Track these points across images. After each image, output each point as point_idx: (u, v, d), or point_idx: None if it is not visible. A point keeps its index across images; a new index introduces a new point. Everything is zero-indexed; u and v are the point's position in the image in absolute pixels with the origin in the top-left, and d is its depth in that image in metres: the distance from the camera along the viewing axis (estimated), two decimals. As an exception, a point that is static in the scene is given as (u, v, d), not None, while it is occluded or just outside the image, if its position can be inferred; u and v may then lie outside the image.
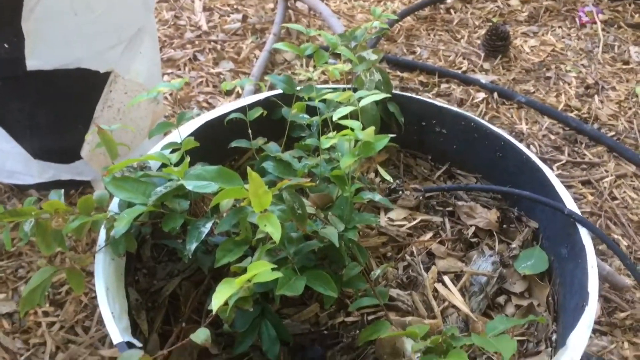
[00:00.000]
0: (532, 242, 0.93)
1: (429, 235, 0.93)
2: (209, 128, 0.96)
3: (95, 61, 1.21)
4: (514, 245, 0.91)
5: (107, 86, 1.28)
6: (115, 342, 0.68)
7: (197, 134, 0.93)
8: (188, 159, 0.76)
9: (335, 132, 0.71)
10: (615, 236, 1.51)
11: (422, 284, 0.84)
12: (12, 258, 1.34)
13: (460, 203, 0.96)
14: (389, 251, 0.90)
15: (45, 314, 1.23)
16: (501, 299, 0.86)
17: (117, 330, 0.68)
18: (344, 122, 0.69)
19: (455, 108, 1.00)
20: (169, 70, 1.88)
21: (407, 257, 0.88)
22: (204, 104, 1.79)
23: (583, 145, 1.79)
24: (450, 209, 0.97)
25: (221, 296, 0.58)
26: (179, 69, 1.90)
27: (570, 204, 0.84)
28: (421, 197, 0.96)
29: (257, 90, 1.45)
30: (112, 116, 1.33)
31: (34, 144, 1.34)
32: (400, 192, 0.96)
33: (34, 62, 1.17)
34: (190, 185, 0.67)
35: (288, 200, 0.67)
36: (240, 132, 0.94)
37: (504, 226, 0.95)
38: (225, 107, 0.98)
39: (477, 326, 0.79)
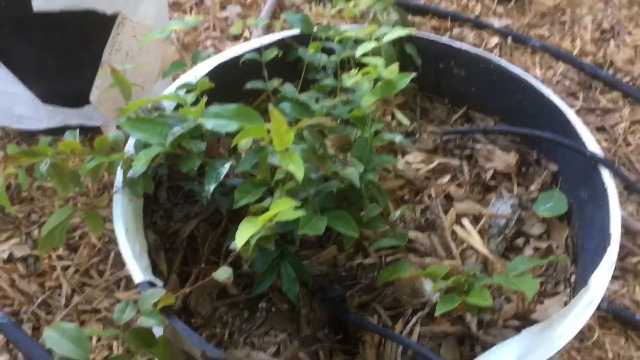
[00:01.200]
0: (552, 185, 0.92)
1: (447, 178, 0.91)
2: (223, 69, 0.94)
3: (103, 2, 1.19)
4: (532, 188, 0.90)
5: (114, 29, 1.25)
6: (137, 281, 0.68)
7: (211, 75, 0.91)
8: (205, 98, 0.75)
9: (358, 69, 0.69)
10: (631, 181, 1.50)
11: (441, 226, 0.84)
12: (24, 203, 1.35)
13: (478, 146, 0.95)
14: (406, 194, 0.90)
15: (60, 257, 1.24)
16: (519, 241, 0.85)
17: (138, 269, 0.68)
18: (366, 60, 0.67)
19: (474, 49, 0.97)
20: (175, 14, 1.84)
21: (426, 200, 0.87)
22: (212, 49, 1.76)
23: (598, 90, 1.76)
24: (468, 152, 0.96)
25: (244, 234, 0.57)
26: (185, 13, 1.86)
27: (593, 146, 0.83)
28: (439, 140, 0.95)
29: (271, 29, 1.42)
30: (121, 60, 1.31)
31: (43, 87, 1.33)
32: (418, 135, 0.95)
33: (40, 2, 1.14)
34: (209, 124, 0.65)
35: (309, 139, 0.65)
36: (254, 74, 0.92)
37: (523, 169, 0.94)
38: (239, 47, 0.96)
39: (496, 267, 0.79)
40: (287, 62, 0.97)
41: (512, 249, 0.85)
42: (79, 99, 1.35)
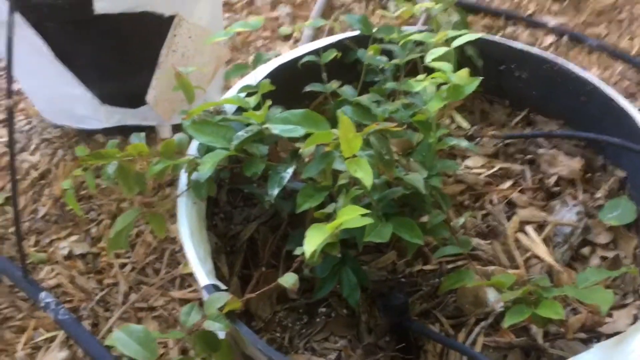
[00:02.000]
0: (619, 192, 0.89)
1: (509, 183, 0.90)
2: (282, 71, 0.94)
3: (160, 4, 1.21)
4: (598, 195, 0.88)
5: (171, 30, 1.27)
6: (202, 284, 0.68)
7: (270, 77, 0.91)
8: (269, 102, 0.75)
9: (426, 74, 0.68)
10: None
11: (504, 233, 0.82)
12: (82, 201, 1.38)
13: (541, 151, 0.93)
14: (466, 199, 0.88)
15: (117, 255, 1.26)
16: (585, 250, 0.83)
17: (203, 273, 0.68)
18: (434, 65, 0.66)
19: (538, 50, 0.95)
20: (226, 15, 1.85)
21: (487, 206, 0.85)
22: (263, 49, 1.76)
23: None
24: (530, 156, 0.94)
25: (313, 242, 0.57)
26: (236, 13, 1.87)
27: (664, 154, 0.80)
28: (500, 144, 0.93)
29: (330, 31, 1.41)
30: (177, 61, 1.32)
31: (102, 88, 1.35)
32: (478, 139, 0.93)
33: (101, 4, 1.17)
34: (276, 129, 0.65)
35: (376, 145, 0.65)
36: (312, 76, 0.92)
37: (588, 175, 0.91)
38: (298, 50, 0.96)
39: (562, 277, 0.77)
40: (345, 64, 0.96)
41: (577, 259, 0.82)
42: (136, 99, 1.37)
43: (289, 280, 0.63)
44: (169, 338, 0.79)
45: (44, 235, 1.31)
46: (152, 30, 1.25)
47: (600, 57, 1.77)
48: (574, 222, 0.82)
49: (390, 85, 0.83)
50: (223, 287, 0.70)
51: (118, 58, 1.29)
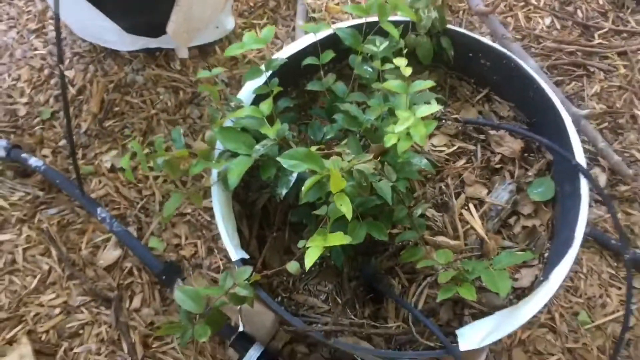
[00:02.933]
0: (546, 172, 1.15)
1: (463, 161, 1.16)
2: (285, 65, 1.14)
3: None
4: (530, 173, 1.14)
5: (188, -30, 1.42)
6: (233, 259, 0.98)
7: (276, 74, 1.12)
8: (279, 125, 0.98)
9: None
10: (637, 111, 1.69)
11: (452, 208, 1.11)
12: (116, 117, 1.62)
13: (492, 132, 1.18)
14: (429, 173, 1.15)
15: (150, 168, 1.53)
16: (512, 220, 1.12)
17: (232, 248, 0.98)
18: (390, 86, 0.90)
19: (500, 47, 1.15)
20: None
21: (445, 179, 1.13)
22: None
23: (629, 10, 1.86)
24: (483, 136, 1.19)
25: (311, 258, 0.86)
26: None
27: (579, 156, 1.05)
28: (459, 128, 1.18)
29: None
30: (193, -3, 1.48)
31: (126, 21, 1.54)
32: (444, 121, 1.17)
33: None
34: (286, 164, 0.90)
35: (357, 177, 0.91)
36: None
37: (525, 155, 1.17)
38: (298, 43, 1.16)
39: (489, 245, 1.07)
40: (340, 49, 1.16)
41: (505, 226, 1.12)
42: (157, 30, 1.55)
43: (293, 267, 0.93)
44: (212, 294, 1.06)
45: (89, 150, 1.58)
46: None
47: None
48: (504, 202, 1.10)
49: (375, 85, 1.05)
50: (246, 256, 1.00)
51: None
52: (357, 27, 1.12)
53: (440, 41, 1.17)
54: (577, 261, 1.50)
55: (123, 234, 1.40)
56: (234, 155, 1.01)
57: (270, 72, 1.08)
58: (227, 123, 1.04)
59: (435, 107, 0.87)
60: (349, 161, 0.95)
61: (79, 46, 1.70)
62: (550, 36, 1.76)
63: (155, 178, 1.54)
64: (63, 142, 1.57)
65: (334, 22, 1.76)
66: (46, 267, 1.41)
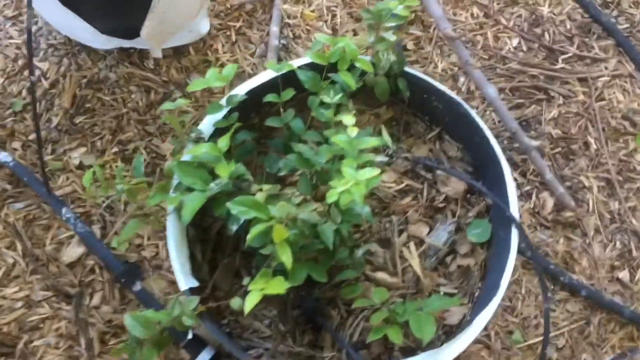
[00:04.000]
0: (485, 214, 1.23)
1: (409, 198, 1.23)
2: (249, 92, 1.20)
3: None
4: (470, 214, 1.22)
5: (162, -20, 1.44)
6: (181, 289, 1.06)
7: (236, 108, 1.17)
8: (233, 166, 1.04)
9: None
10: (590, 139, 1.76)
11: (394, 245, 1.18)
12: (87, 114, 1.66)
13: (439, 172, 1.25)
14: (377, 208, 1.22)
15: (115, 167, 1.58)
16: (449, 258, 1.20)
17: (183, 279, 1.05)
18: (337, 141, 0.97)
19: (451, 93, 1.21)
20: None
21: (391, 215, 1.20)
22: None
23: (595, 36, 1.91)
24: (431, 175, 1.26)
25: (251, 302, 0.93)
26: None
27: (514, 209, 1.13)
28: (409, 167, 1.24)
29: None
30: (167, 4, 1.52)
31: (101, 24, 1.56)
32: (395, 159, 1.24)
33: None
34: (235, 210, 0.97)
35: (300, 226, 0.98)
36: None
37: (469, 195, 1.25)
38: (263, 76, 1.21)
39: (425, 282, 1.16)
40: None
41: (442, 263, 1.20)
42: (131, 32, 1.58)
43: (235, 303, 1.01)
44: (162, 320, 1.13)
45: (58, 145, 1.62)
46: (146, -21, 1.43)
47: (554, -8, 1.93)
48: (442, 243, 1.18)
49: (327, 133, 1.11)
50: (196, 284, 1.07)
51: (115, 4, 1.48)
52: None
53: (397, 82, 1.23)
54: (517, 282, 1.59)
55: (86, 235, 1.46)
56: (191, 189, 1.07)
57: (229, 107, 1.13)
58: (186, 157, 1.10)
59: (376, 172, 0.94)
60: (297, 204, 1.02)
61: (54, 37, 1.72)
62: (516, 57, 1.81)
63: (121, 178, 1.59)
64: (33, 135, 1.60)
65: (308, 30, 1.79)
66: (11, 261, 1.47)
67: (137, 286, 1.44)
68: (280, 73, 1.17)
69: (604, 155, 1.75)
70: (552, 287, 1.60)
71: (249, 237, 0.95)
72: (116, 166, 1.62)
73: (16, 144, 1.60)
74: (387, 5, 1.17)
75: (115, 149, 1.60)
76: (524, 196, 1.65)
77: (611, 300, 1.56)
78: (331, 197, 0.96)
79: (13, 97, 1.67)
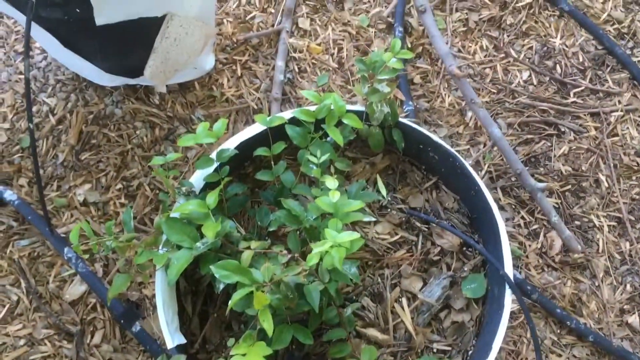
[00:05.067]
0: (481, 269, 1.21)
1: (403, 251, 1.21)
2: (242, 144, 1.19)
3: (153, 9, 1.39)
4: (465, 268, 1.20)
5: (164, 24, 1.46)
6: (168, 347, 1.06)
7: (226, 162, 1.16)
8: (219, 226, 1.04)
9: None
10: (601, 176, 1.72)
11: (385, 300, 1.17)
12: (92, 150, 1.68)
13: (434, 225, 1.22)
14: (370, 260, 1.21)
15: (122, 205, 1.59)
16: (443, 313, 1.18)
17: (170, 338, 1.06)
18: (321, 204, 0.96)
19: (446, 145, 1.19)
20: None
21: (384, 268, 1.19)
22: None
23: (609, 69, 1.87)
24: (426, 226, 1.24)
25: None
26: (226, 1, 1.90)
27: (508, 267, 1.10)
28: (403, 219, 1.22)
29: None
30: (170, 44, 1.53)
31: (105, 65, 1.57)
32: (389, 210, 1.22)
33: (101, 19, 1.35)
34: (217, 274, 0.97)
35: (283, 291, 0.97)
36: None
37: (464, 248, 1.22)
38: (255, 128, 1.20)
39: (417, 339, 1.14)
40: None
41: (436, 319, 1.18)
42: (135, 72, 1.59)
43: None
44: None
45: (64, 182, 1.64)
46: (148, 27, 1.44)
47: (568, 24, 1.89)
48: (435, 299, 1.16)
49: (314, 192, 1.10)
50: (184, 341, 1.07)
51: (118, 47, 1.50)
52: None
53: (392, 133, 1.21)
54: (522, 325, 1.56)
55: (87, 275, 1.48)
56: (179, 246, 1.07)
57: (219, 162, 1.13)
58: (175, 213, 1.10)
59: (356, 235, 0.92)
60: (283, 263, 1.01)
61: (62, 73, 1.74)
62: (525, 91, 1.78)
63: (125, 214, 1.60)
64: (40, 172, 1.63)
65: (314, 64, 1.78)
66: (15, 298, 1.50)
67: (136, 327, 1.45)
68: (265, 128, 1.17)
69: (616, 194, 1.70)
70: (558, 331, 1.57)
71: (230, 302, 0.94)
72: (120, 203, 1.63)
73: (22, 181, 1.62)
74: (381, 57, 1.15)
75: (119, 185, 1.61)
76: (531, 235, 1.62)
77: (620, 347, 1.53)
78: (311, 260, 0.95)
79: (21, 133, 1.69)
